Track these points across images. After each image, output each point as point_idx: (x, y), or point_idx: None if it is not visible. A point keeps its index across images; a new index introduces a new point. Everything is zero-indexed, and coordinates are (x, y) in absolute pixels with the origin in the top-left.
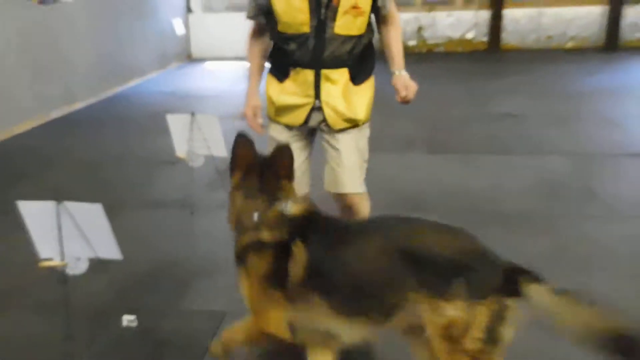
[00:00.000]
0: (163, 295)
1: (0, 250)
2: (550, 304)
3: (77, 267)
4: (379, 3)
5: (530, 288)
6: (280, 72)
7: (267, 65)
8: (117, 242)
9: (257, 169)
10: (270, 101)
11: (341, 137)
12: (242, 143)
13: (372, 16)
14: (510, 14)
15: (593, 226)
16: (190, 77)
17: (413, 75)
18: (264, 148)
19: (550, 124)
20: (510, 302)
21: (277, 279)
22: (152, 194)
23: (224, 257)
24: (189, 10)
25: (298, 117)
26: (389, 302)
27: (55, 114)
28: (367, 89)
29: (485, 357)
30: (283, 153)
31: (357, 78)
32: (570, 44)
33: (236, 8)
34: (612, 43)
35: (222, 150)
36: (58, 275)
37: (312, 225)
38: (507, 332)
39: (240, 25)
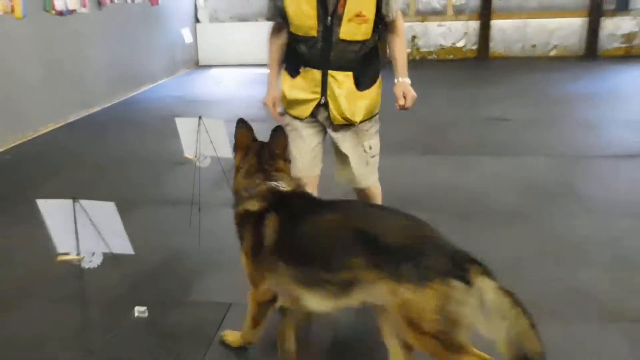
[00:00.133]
0: (172, 288)
1: (23, 245)
2: (492, 299)
3: (92, 261)
4: (383, 11)
5: (479, 279)
6: (292, 69)
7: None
8: (129, 238)
9: (256, 150)
10: (283, 95)
11: (348, 138)
12: (241, 128)
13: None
14: (498, 24)
15: (573, 222)
16: (197, 82)
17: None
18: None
19: (534, 127)
20: (457, 284)
21: (258, 248)
22: (162, 193)
23: (230, 252)
24: (196, 20)
25: (305, 111)
26: (343, 278)
27: (74, 117)
28: (370, 94)
29: (448, 338)
30: (277, 134)
31: (361, 83)
32: (553, 53)
33: (240, 18)
34: (591, 52)
35: (227, 151)
36: (74, 269)
37: (289, 201)
38: (462, 313)
39: (244, 34)
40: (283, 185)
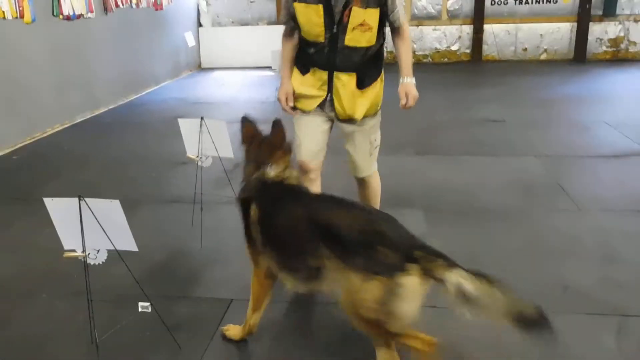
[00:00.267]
0: (175, 284)
1: (30, 242)
2: (471, 288)
3: (97, 258)
4: (391, 18)
5: (449, 274)
6: (303, 67)
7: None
8: (134, 235)
9: (258, 142)
10: (293, 89)
11: (355, 134)
12: (246, 123)
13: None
14: (491, 29)
15: (562, 219)
16: (200, 85)
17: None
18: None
19: (525, 128)
20: (405, 280)
21: (249, 232)
22: (165, 192)
23: (230, 249)
24: (199, 24)
25: (310, 105)
26: (311, 265)
27: (79, 118)
28: (371, 94)
29: (382, 327)
30: (276, 127)
31: (363, 83)
32: (543, 56)
33: (241, 23)
34: (580, 56)
35: (229, 151)
36: (80, 266)
37: (272, 191)
38: (403, 308)
39: (245, 38)
40: (275, 175)
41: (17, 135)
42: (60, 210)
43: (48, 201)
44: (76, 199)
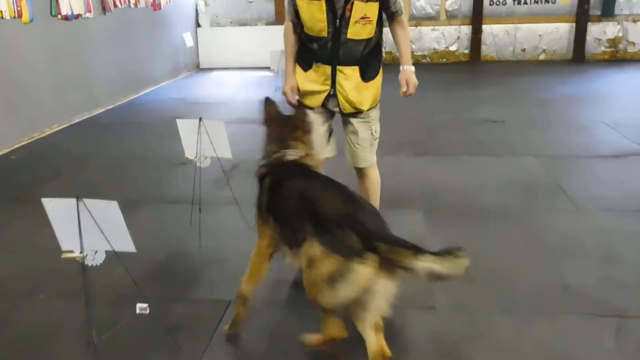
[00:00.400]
0: (173, 284)
1: (28, 242)
2: (441, 269)
3: (95, 259)
4: (392, 9)
5: (416, 262)
6: (305, 64)
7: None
8: (132, 236)
9: (279, 122)
10: (297, 85)
11: (358, 124)
12: (268, 104)
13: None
14: (489, 29)
15: (562, 219)
16: (198, 85)
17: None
18: None
19: (524, 129)
20: (358, 267)
21: (260, 205)
22: (163, 192)
23: (229, 250)
24: (198, 25)
25: (317, 101)
26: (299, 238)
27: (78, 118)
28: (374, 85)
29: (322, 298)
30: (299, 110)
31: (366, 75)
32: (542, 57)
33: (240, 23)
34: (578, 56)
35: (227, 152)
36: (78, 266)
37: (284, 168)
38: (342, 291)
39: (243, 38)
40: (294, 153)
41: (15, 135)
42: (59, 211)
43: (46, 202)
44: (74, 200)
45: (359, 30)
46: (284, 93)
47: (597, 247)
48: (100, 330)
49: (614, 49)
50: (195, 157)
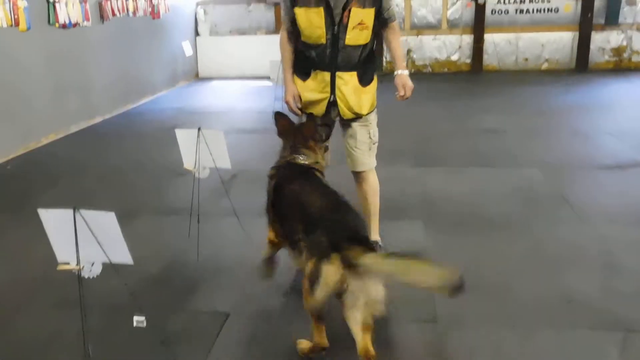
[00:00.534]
0: (171, 296)
1: (25, 252)
2: (385, 267)
3: (92, 270)
4: (386, 15)
5: (362, 258)
6: (303, 73)
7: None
8: (130, 246)
9: (292, 132)
10: (299, 93)
11: (357, 128)
12: (279, 117)
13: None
14: (491, 38)
15: (564, 229)
16: (197, 94)
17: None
18: None
19: (526, 138)
20: (325, 267)
21: (268, 204)
22: (162, 203)
23: (228, 262)
24: (197, 34)
25: (320, 109)
26: (295, 238)
27: (75, 128)
28: (372, 89)
29: (307, 297)
30: (308, 121)
31: (363, 80)
32: (544, 66)
33: (239, 32)
34: (582, 65)
35: (226, 162)
36: (75, 277)
37: (289, 172)
38: (317, 292)
39: (243, 48)
40: (304, 159)
41: (11, 144)
42: (55, 221)
43: (42, 212)
44: (70, 210)
45: (356, 36)
46: (287, 102)
47: (601, 257)
48: (96, 342)
49: (618, 58)
50: (194, 168)
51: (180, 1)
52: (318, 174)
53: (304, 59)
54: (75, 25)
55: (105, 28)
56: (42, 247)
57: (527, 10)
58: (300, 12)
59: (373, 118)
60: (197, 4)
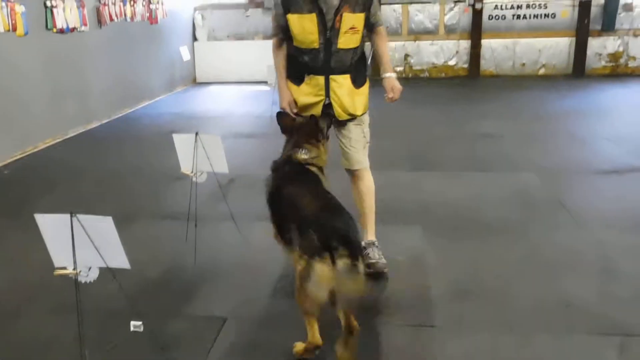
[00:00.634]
0: (168, 301)
1: (24, 257)
2: (360, 268)
3: (89, 275)
4: (372, 20)
5: (339, 261)
6: (297, 78)
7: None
8: (127, 251)
9: (295, 130)
10: (294, 98)
11: (352, 127)
12: (282, 116)
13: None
14: (488, 44)
15: (561, 234)
16: (195, 99)
17: (399, 98)
18: None
19: (524, 143)
20: (317, 266)
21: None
22: (159, 207)
23: (225, 266)
24: (194, 39)
25: (316, 112)
26: (287, 236)
27: (73, 132)
28: (365, 90)
29: (299, 293)
30: (311, 120)
31: (357, 82)
32: (541, 71)
33: (237, 37)
34: (579, 70)
35: (223, 167)
36: (72, 282)
37: (290, 167)
38: (312, 289)
39: (240, 53)
40: (305, 155)
41: (9, 149)
42: (52, 226)
43: (39, 217)
44: (68, 216)
45: (347, 40)
46: (282, 108)
47: (598, 262)
48: (93, 347)
49: (614, 64)
50: (192, 172)
51: (178, 6)
52: (315, 169)
53: (297, 64)
54: (72, 30)
55: (103, 33)
56: (39, 252)
57: (524, 16)
58: (293, 19)
59: (366, 118)
60: (195, 9)
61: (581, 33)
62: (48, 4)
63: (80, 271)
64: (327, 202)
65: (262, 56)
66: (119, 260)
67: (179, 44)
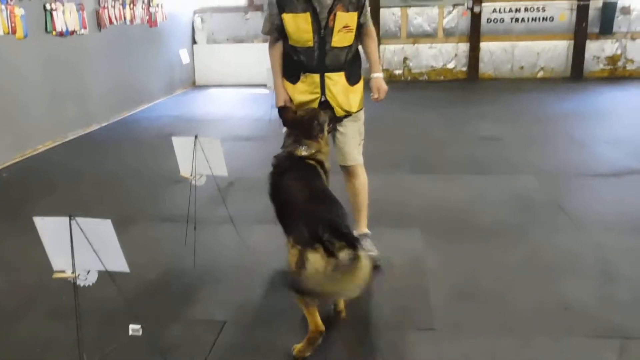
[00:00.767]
0: (167, 304)
1: (22, 260)
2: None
3: (87, 279)
4: (361, 20)
5: (339, 253)
6: (292, 77)
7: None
8: (125, 254)
9: (295, 123)
10: (290, 97)
11: (348, 124)
12: (284, 110)
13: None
14: (487, 47)
15: (560, 237)
16: (194, 102)
17: (398, 101)
18: None
19: (523, 146)
20: (311, 255)
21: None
22: (158, 210)
23: (225, 269)
24: (194, 42)
25: None
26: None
27: (72, 135)
28: (359, 88)
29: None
30: (310, 114)
31: (351, 79)
32: (540, 74)
33: (236, 40)
34: (577, 73)
35: (223, 170)
36: (70, 285)
37: (290, 161)
38: (307, 275)
39: (240, 56)
40: (305, 149)
41: (7, 152)
42: (51, 229)
43: (38, 220)
44: (66, 219)
45: (341, 38)
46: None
47: (597, 265)
48: (91, 351)
49: (612, 67)
50: (191, 175)
51: (178, 9)
52: (314, 162)
53: (293, 63)
54: (72, 33)
55: (103, 36)
56: (38, 254)
57: (523, 19)
58: (288, 18)
59: (361, 115)
60: (195, 12)
61: (579, 36)
62: (48, 7)
63: (79, 274)
64: (321, 194)
65: (262, 59)
66: (118, 263)
67: (178, 47)
